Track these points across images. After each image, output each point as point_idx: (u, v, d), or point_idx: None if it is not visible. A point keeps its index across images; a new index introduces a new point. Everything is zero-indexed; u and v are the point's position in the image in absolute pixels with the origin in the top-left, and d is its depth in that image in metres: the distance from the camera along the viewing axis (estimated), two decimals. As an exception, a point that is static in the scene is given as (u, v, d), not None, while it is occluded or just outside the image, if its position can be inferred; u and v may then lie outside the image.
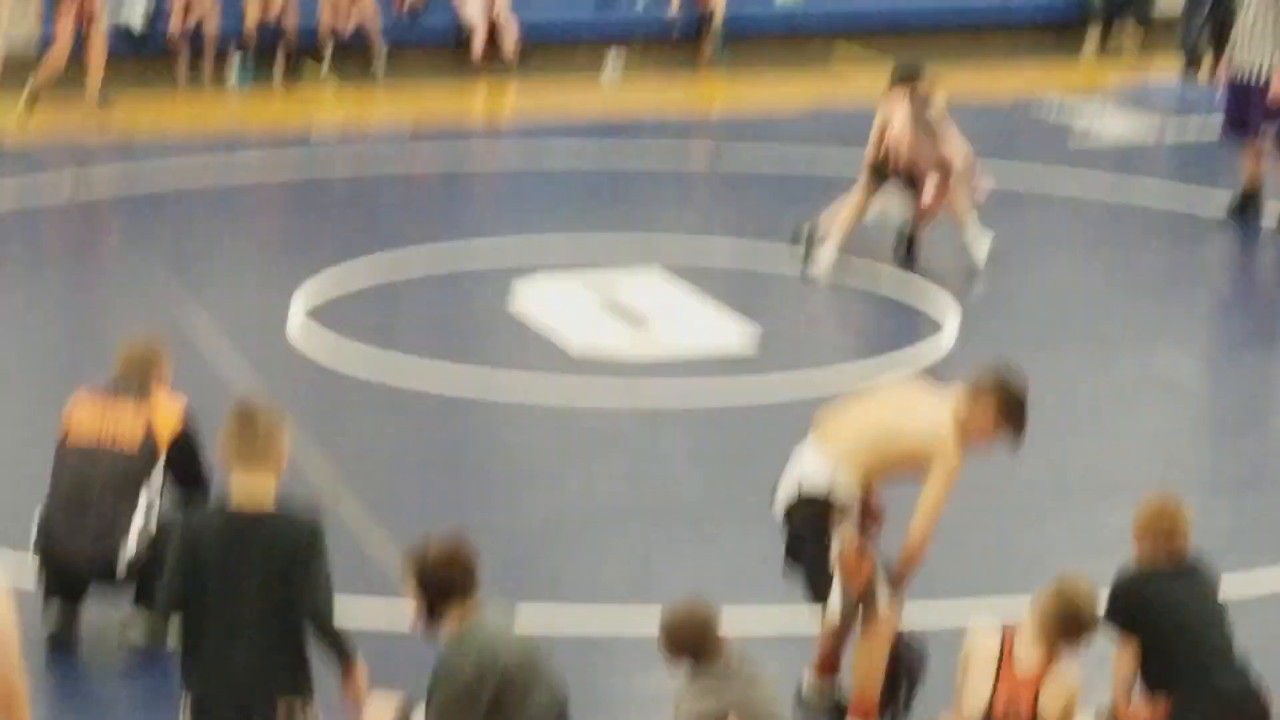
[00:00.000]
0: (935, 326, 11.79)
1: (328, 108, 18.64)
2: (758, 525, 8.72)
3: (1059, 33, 21.38)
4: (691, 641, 6.37)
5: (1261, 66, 13.62)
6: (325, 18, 19.61)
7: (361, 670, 6.40)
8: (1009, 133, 17.14)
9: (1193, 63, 18.82)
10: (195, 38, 19.38)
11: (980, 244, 12.87)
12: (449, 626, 6.17)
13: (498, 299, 12.22)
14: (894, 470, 7.19)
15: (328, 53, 19.51)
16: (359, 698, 6.38)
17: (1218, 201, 14.24)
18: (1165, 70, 19.48)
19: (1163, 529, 6.95)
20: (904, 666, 7.21)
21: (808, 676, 7.35)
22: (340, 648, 6.41)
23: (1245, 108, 13.79)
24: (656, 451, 9.99)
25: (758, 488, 9.22)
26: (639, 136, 17.21)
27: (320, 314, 11.94)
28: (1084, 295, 12.69)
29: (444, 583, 6.13)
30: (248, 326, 11.85)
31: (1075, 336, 11.75)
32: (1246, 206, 13.94)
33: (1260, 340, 12.17)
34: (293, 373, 11.04)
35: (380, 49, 19.67)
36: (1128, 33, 21.23)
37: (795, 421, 10.10)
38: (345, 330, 11.66)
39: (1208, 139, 16.08)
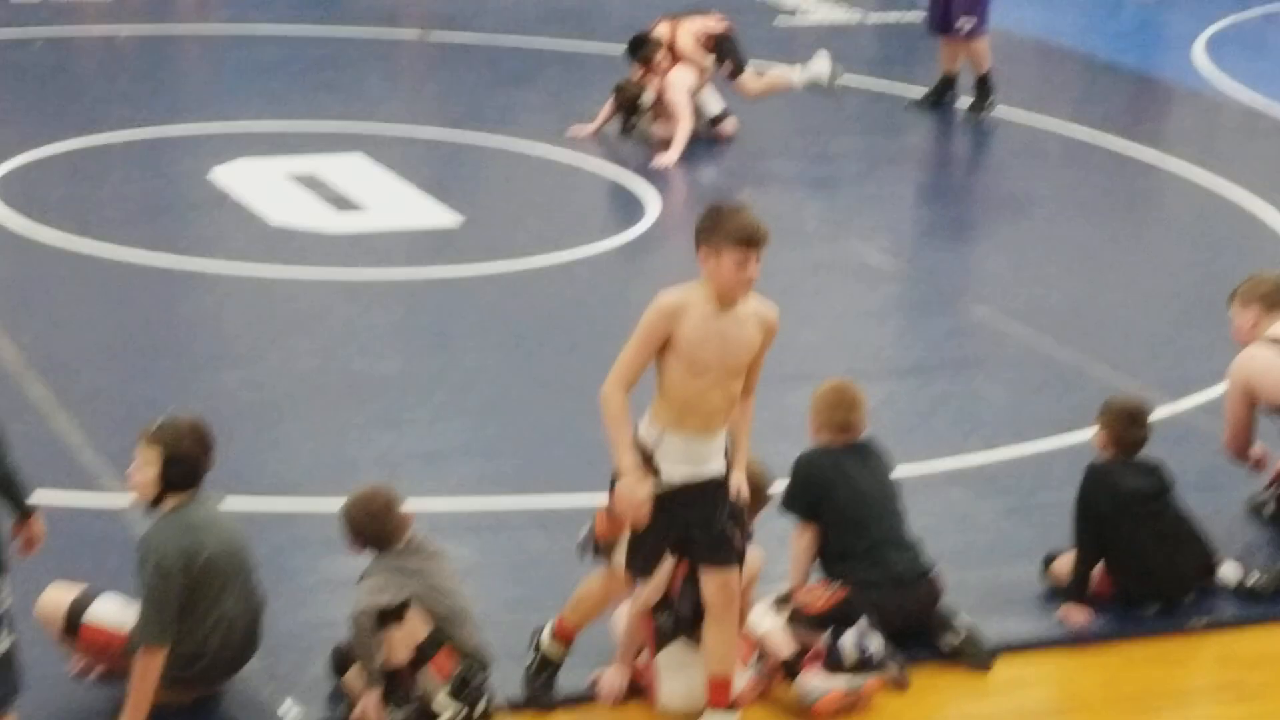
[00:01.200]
0: (639, 209, 11.92)
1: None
2: (451, 411, 8.87)
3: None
4: (370, 529, 6.44)
5: None
6: None
7: (39, 520, 6.29)
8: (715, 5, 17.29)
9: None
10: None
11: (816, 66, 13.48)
12: (167, 505, 6.21)
13: (198, 176, 12.08)
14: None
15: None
16: (35, 540, 6.25)
17: (915, 90, 14.53)
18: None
19: (837, 413, 7.14)
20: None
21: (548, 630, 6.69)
22: (15, 490, 6.21)
23: (946, 4, 14.01)
24: (357, 325, 9.96)
25: (455, 367, 9.32)
26: (352, 5, 17.09)
27: (13, 182, 11.72)
28: (778, 181, 12.87)
29: (191, 461, 6.17)
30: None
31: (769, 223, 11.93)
32: (943, 92, 14.22)
33: (949, 226, 12.48)
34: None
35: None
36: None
37: (495, 296, 10.35)
38: (38, 200, 11.45)
39: (911, 24, 16.42)
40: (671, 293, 6.32)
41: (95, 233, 10.94)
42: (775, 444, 7.19)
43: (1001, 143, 13.96)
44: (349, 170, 12.25)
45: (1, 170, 11.97)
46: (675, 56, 13.24)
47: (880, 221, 12.10)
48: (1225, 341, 8.16)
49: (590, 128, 13.21)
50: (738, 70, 13.38)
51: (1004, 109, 14.27)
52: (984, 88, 14.09)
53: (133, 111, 13.42)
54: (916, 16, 17.35)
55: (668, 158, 12.84)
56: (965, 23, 13.92)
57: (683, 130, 12.99)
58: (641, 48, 13.28)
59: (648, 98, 13.25)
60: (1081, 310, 10.59)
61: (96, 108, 13.57)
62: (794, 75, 13.57)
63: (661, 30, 13.35)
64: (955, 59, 14.11)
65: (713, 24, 13.41)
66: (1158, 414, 8.12)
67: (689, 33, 13.28)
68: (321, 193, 11.80)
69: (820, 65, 13.50)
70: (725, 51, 13.35)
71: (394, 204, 11.75)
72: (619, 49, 13.75)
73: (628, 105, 13.27)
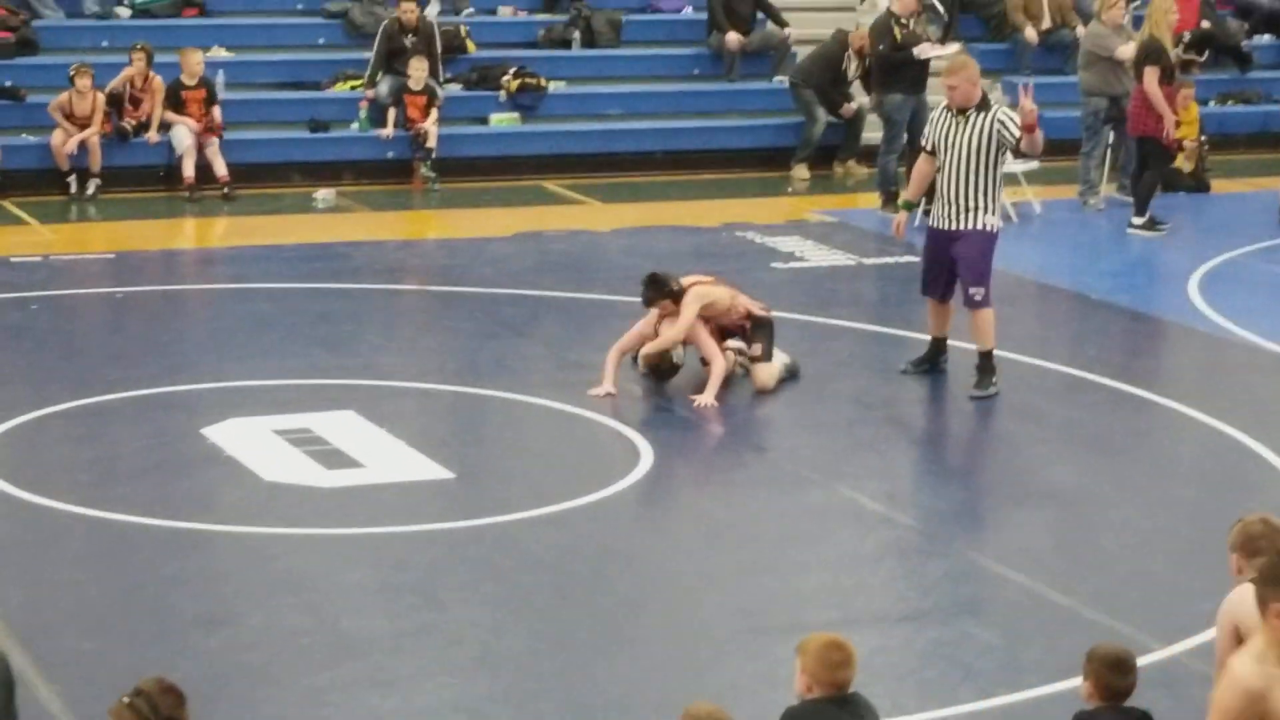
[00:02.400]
0: (634, 458, 11.89)
1: (33, 229, 18.43)
2: (437, 668, 8.79)
3: (768, 164, 21.86)
4: None
5: (953, 220, 13.22)
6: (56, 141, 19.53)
7: None
8: (715, 252, 17.45)
9: (890, 200, 19.07)
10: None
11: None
12: None
13: (191, 434, 12.09)
14: None
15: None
16: None
17: (912, 333, 14.55)
18: (870, 203, 20.03)
19: (826, 671, 7.03)
20: None
21: None
22: None
23: (937, 266, 13.47)
24: (345, 583, 9.90)
25: (445, 623, 9.23)
26: (348, 262, 17.23)
27: (5, 445, 11.73)
28: (771, 426, 12.87)
29: None
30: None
31: (768, 465, 11.95)
32: (935, 357, 13.75)
33: (943, 468, 12.43)
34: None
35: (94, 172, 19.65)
36: (843, 167, 21.86)
37: (487, 549, 10.30)
38: (30, 463, 11.46)
39: (908, 266, 16.51)
40: (1246, 667, 6.01)
41: (85, 494, 10.93)
42: (768, 695, 7.09)
43: (1002, 382, 13.92)
44: (341, 427, 12.24)
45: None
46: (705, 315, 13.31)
47: (874, 465, 12.05)
48: (1223, 582, 8.05)
49: (606, 386, 13.14)
50: (766, 357, 13.39)
51: (999, 350, 14.27)
52: (987, 365, 13.36)
53: (127, 371, 13.47)
54: (913, 258, 17.49)
55: (707, 399, 12.90)
56: (977, 292, 13.18)
57: (718, 370, 13.08)
58: (662, 286, 13.28)
59: (679, 354, 13.29)
60: (1076, 552, 10.51)
61: (92, 368, 13.62)
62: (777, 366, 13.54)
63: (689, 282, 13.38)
64: (946, 323, 13.84)
65: (758, 307, 13.48)
66: (1150, 659, 8.02)
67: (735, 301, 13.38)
68: (313, 450, 11.78)
69: (780, 356, 13.53)
70: (761, 336, 13.39)
71: (386, 460, 11.72)
72: (616, 298, 13.82)
73: (663, 366, 13.27)
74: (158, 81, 20.05)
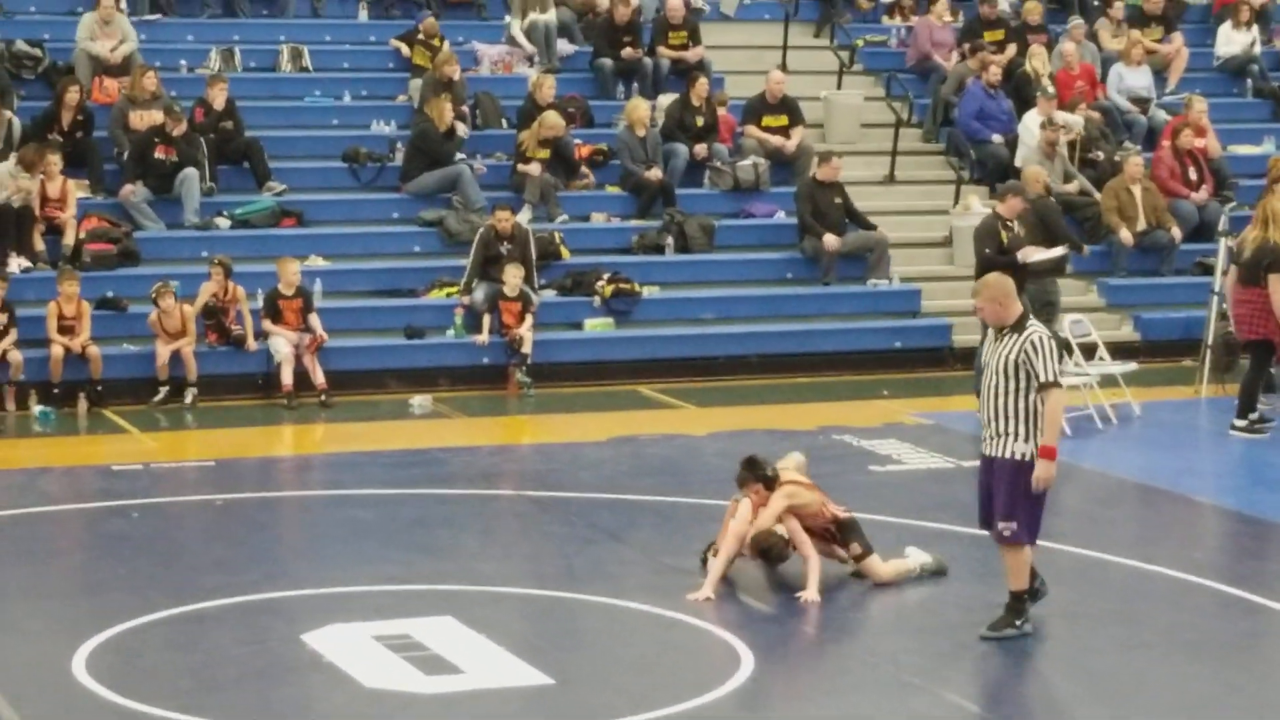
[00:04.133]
0: (735, 662, 11.78)
1: (134, 437, 18.60)
2: None
3: (863, 367, 21.89)
4: None
5: (990, 446, 12.19)
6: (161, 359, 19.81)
7: None
8: (811, 455, 17.37)
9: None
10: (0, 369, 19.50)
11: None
12: None
13: (291, 640, 12.06)
14: None
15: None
16: None
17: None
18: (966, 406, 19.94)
19: None
20: None
21: None
22: None
23: (985, 496, 12.37)
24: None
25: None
26: (444, 468, 17.28)
27: (107, 653, 11.73)
28: (869, 630, 12.76)
29: None
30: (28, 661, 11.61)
31: (870, 669, 11.84)
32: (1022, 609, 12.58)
33: (1048, 671, 12.27)
34: (78, 709, 10.79)
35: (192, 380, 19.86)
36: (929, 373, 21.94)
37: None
38: (131, 671, 11.45)
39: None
40: None
41: (186, 701, 10.90)
42: None
43: (1104, 586, 13.77)
44: (440, 632, 12.19)
45: (95, 640, 11.98)
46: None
47: (977, 670, 11.90)
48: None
49: (706, 591, 13.09)
50: (869, 551, 13.36)
51: (1106, 553, 14.13)
52: (1013, 606, 12.26)
53: (228, 577, 13.49)
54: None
55: (810, 594, 12.90)
56: (1005, 527, 12.21)
57: (815, 564, 13.09)
58: (758, 469, 13.30)
59: (783, 530, 13.26)
60: (1189, 758, 10.31)
61: (192, 575, 13.64)
62: (910, 562, 13.55)
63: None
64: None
65: (842, 510, 13.47)
66: None
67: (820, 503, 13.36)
68: (413, 655, 11.73)
69: (920, 555, 13.57)
70: (853, 535, 13.37)
71: (485, 665, 11.64)
72: (712, 502, 13.78)
73: (772, 552, 13.24)
74: (240, 292, 20.32)
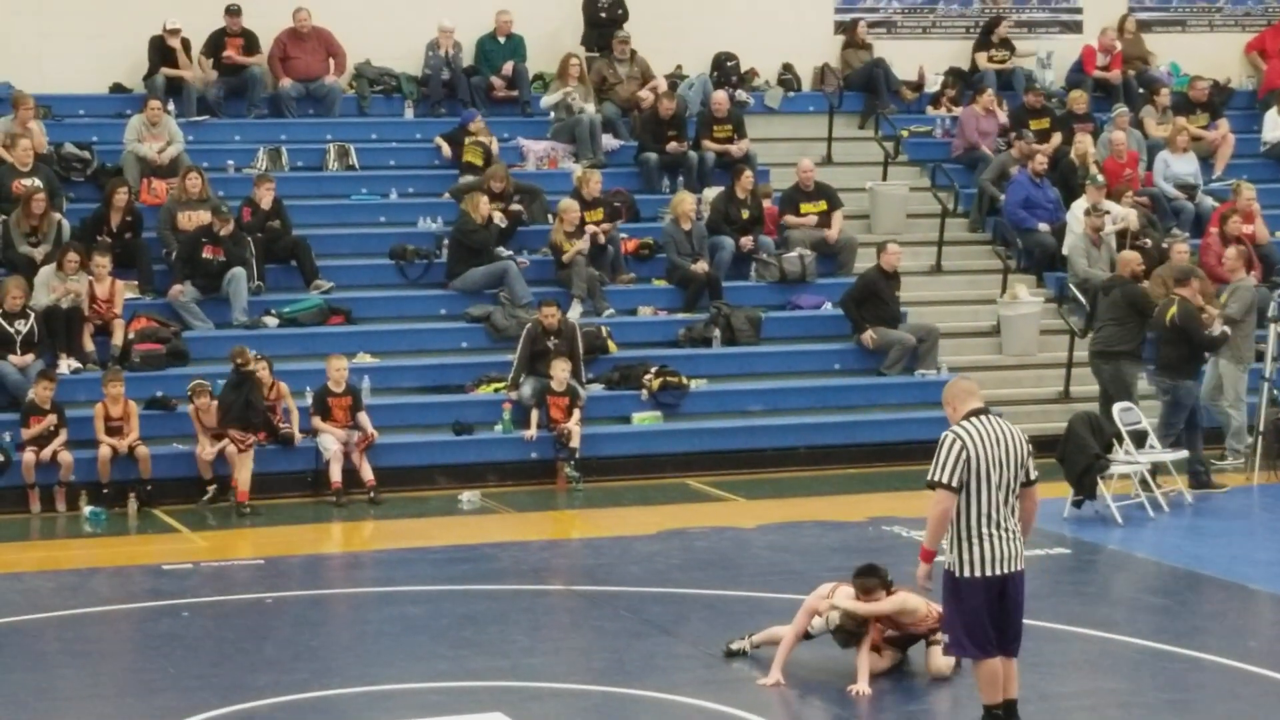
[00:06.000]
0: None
1: (184, 536, 18.63)
2: None
3: (912, 457, 21.79)
4: None
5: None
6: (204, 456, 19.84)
7: None
8: (861, 547, 17.33)
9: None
10: (50, 470, 19.57)
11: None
12: None
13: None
14: None
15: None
16: None
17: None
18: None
19: None
20: None
21: None
22: None
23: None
24: None
25: None
26: (493, 564, 17.25)
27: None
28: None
29: None
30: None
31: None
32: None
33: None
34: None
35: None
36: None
37: None
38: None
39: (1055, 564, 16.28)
40: None
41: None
42: None
43: (1158, 675, 13.65)
44: (490, 729, 12.16)
45: (147, 739, 11.99)
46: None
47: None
48: None
49: (774, 675, 13.04)
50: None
51: (1160, 643, 14.02)
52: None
53: (278, 676, 13.46)
54: (1064, 550, 17.31)
55: (861, 686, 12.84)
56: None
57: (866, 660, 13.06)
58: (884, 576, 13.30)
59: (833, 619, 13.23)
60: None
61: (242, 674, 13.60)
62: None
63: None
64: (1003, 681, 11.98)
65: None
66: None
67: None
68: (464, 753, 11.69)
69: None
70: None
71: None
72: (763, 595, 13.72)
73: (859, 632, 13.20)
74: (284, 388, 20.37)
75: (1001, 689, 11.38)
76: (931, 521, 11.25)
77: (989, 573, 11.18)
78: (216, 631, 15.10)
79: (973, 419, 11.27)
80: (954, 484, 11.09)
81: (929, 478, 11.20)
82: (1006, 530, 11.21)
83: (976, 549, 11.17)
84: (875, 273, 23.14)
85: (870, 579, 13.28)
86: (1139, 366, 20.73)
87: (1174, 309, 20.01)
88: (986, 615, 11.27)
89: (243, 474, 19.74)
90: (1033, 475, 11.39)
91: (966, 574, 11.20)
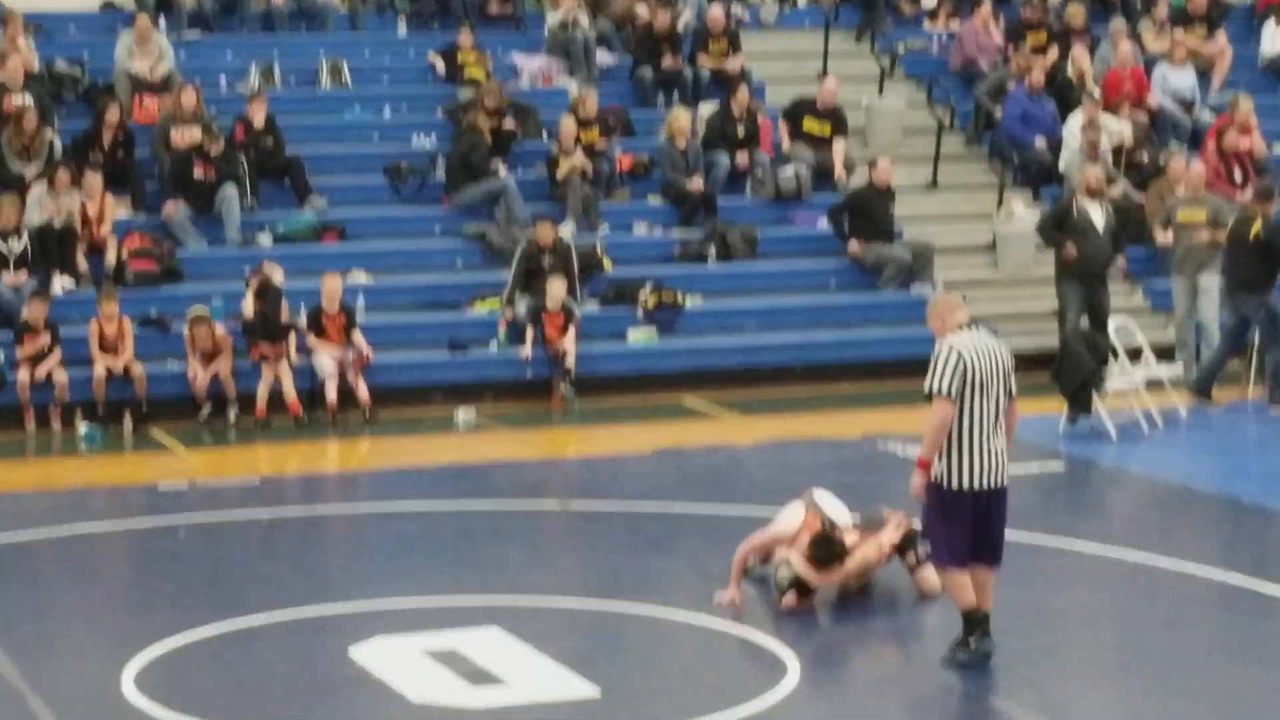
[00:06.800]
0: (780, 670, 11.74)
1: (179, 456, 18.64)
2: None
3: (908, 374, 21.77)
4: None
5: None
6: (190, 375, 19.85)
7: None
8: (857, 464, 17.37)
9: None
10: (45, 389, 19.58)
11: None
12: None
13: (338, 655, 12.06)
14: None
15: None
16: None
17: (1067, 538, 14.36)
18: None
19: None
20: None
21: None
22: None
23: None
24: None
25: None
26: (489, 482, 17.28)
27: (154, 671, 11.74)
28: (915, 637, 12.70)
29: None
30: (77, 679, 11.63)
31: (917, 677, 11.77)
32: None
33: (1098, 678, 12.19)
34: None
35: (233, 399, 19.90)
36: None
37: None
38: (178, 688, 11.46)
39: (1055, 473, 16.34)
40: None
41: (234, 717, 10.93)
42: None
43: (1151, 590, 13.70)
44: (487, 645, 12.18)
45: (144, 658, 11.99)
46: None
47: (1028, 677, 11.81)
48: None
49: (731, 592, 13.06)
50: (920, 564, 13.21)
51: (1151, 556, 14.04)
52: (965, 628, 11.69)
53: (274, 594, 13.50)
54: (1059, 468, 17.35)
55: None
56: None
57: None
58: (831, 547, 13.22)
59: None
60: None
61: (238, 591, 13.65)
62: None
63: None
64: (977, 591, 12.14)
65: (896, 525, 13.34)
66: None
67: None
68: (459, 668, 11.71)
69: None
70: (910, 546, 13.26)
71: (531, 678, 11.62)
72: (758, 513, 13.73)
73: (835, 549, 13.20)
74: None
75: (974, 593, 11.49)
76: (931, 430, 11.28)
77: (977, 485, 11.26)
78: (212, 550, 15.15)
79: (964, 331, 11.29)
80: (952, 394, 11.12)
81: (927, 387, 11.23)
82: (995, 444, 11.28)
83: (967, 461, 11.23)
84: (866, 188, 23.08)
85: (826, 550, 12.99)
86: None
87: (1258, 225, 19.90)
88: (970, 528, 11.36)
89: (286, 384, 19.80)
90: (1013, 390, 11.45)
91: (955, 485, 11.27)
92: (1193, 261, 21.09)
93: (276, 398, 19.92)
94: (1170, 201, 22.11)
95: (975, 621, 11.53)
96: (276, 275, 20.47)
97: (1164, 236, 22.25)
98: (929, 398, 11.25)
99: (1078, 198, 21.17)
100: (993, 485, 11.30)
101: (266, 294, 20.21)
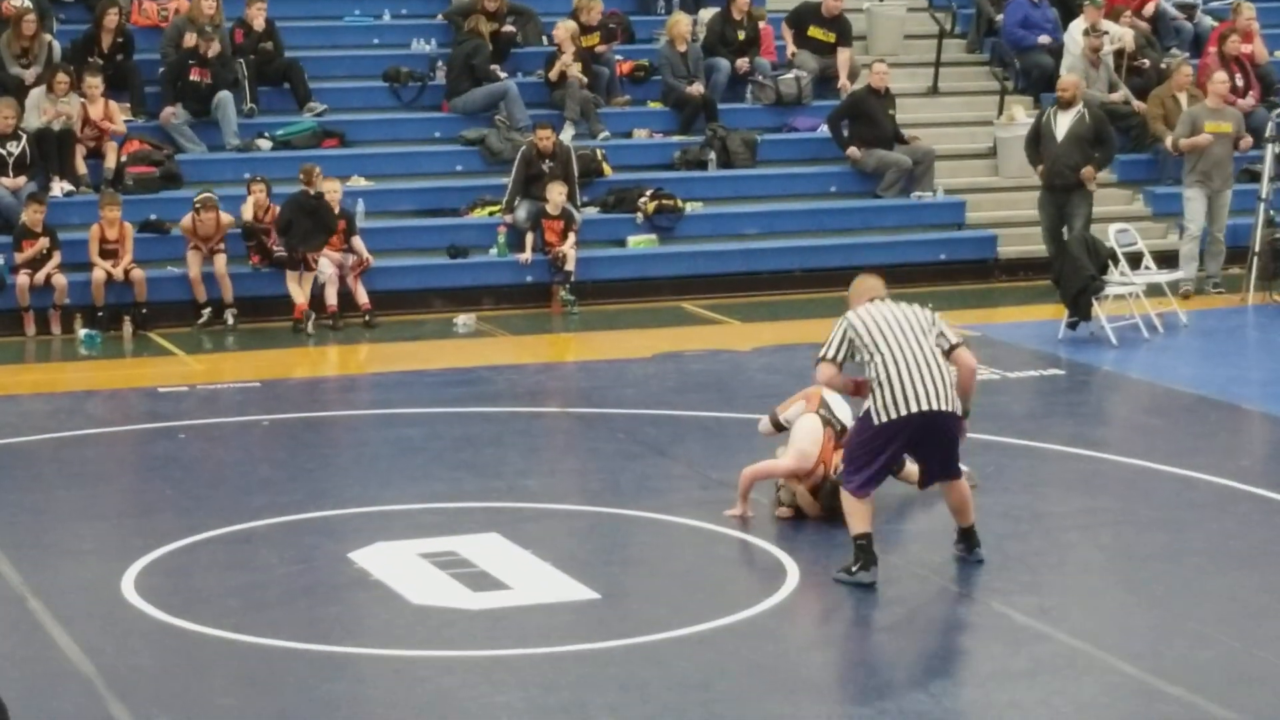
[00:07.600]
0: (780, 574, 11.78)
1: (179, 360, 18.65)
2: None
3: (907, 280, 21.76)
4: None
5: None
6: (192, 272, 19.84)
7: None
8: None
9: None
10: (45, 293, 19.57)
11: None
12: None
13: (338, 559, 12.10)
14: None
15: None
16: None
17: (1055, 444, 14.36)
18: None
19: None
20: None
21: None
22: None
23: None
24: (493, 704, 9.83)
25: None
26: (489, 387, 17.29)
27: (155, 573, 11.79)
28: (916, 540, 12.70)
29: None
30: (78, 582, 11.68)
31: (916, 581, 11.81)
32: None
33: (1096, 582, 12.23)
34: (128, 629, 10.85)
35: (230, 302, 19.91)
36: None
37: (635, 669, 10.21)
38: (179, 590, 11.51)
39: (1055, 376, 16.32)
40: None
41: (234, 620, 10.95)
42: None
43: (1151, 494, 13.73)
44: (486, 549, 12.22)
45: (144, 561, 12.04)
46: None
47: (1025, 581, 11.86)
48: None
49: (740, 507, 13.05)
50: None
51: (1153, 462, 14.06)
52: (854, 552, 11.68)
53: (274, 497, 13.54)
54: (1058, 372, 17.37)
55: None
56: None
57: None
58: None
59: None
60: (1238, 666, 10.27)
61: (239, 495, 13.69)
62: None
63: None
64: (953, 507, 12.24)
65: None
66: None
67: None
68: (459, 572, 11.76)
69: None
70: None
71: (531, 581, 11.67)
72: (758, 417, 13.75)
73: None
74: (277, 210, 20.30)
75: (870, 520, 11.67)
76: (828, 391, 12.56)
77: (904, 412, 11.48)
78: (213, 453, 15.18)
79: (868, 304, 11.91)
80: (833, 358, 11.75)
81: (817, 355, 11.82)
82: (928, 377, 11.51)
83: (889, 398, 11.52)
84: (864, 91, 23.00)
85: (833, 502, 12.46)
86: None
87: None
88: (886, 458, 11.72)
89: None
90: (952, 340, 11.76)
91: (879, 420, 11.57)
92: (1220, 174, 21.01)
93: (284, 300, 19.96)
94: (1196, 110, 21.94)
95: (863, 549, 11.65)
96: (319, 180, 20.30)
97: (1187, 144, 22.07)
98: (815, 365, 11.85)
99: (1053, 108, 21.11)
100: (927, 408, 11.47)
101: (311, 201, 20.08)
